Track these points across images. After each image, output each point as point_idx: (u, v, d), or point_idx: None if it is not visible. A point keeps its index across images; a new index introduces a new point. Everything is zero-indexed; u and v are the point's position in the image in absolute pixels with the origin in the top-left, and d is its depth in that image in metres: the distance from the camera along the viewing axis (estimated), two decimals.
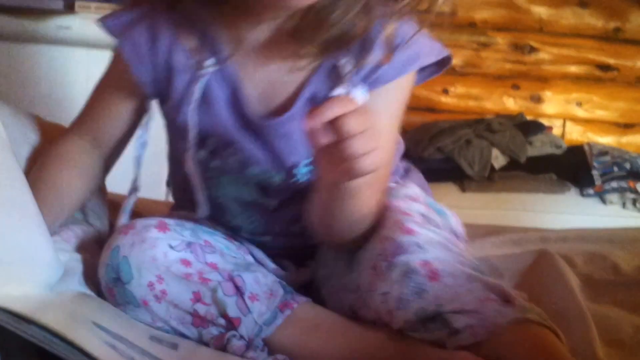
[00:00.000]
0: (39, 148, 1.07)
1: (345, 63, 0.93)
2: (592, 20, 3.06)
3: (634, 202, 2.68)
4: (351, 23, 0.90)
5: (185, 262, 0.91)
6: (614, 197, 2.69)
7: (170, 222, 0.96)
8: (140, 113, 1.04)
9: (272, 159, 0.97)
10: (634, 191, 2.68)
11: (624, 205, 2.69)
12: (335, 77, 0.94)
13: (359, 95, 0.92)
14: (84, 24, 1.82)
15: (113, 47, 1.00)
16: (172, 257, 0.91)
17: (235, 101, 0.96)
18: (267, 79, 0.96)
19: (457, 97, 3.07)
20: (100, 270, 0.92)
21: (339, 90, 0.92)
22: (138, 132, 1.05)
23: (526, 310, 0.80)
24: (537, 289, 1.12)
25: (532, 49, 3.06)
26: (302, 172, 0.98)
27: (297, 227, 1.01)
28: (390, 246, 0.88)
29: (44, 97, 1.92)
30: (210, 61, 0.95)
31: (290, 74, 0.95)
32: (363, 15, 0.90)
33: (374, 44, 0.92)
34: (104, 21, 0.98)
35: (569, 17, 3.05)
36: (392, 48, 0.92)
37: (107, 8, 1.87)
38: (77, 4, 1.77)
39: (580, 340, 0.93)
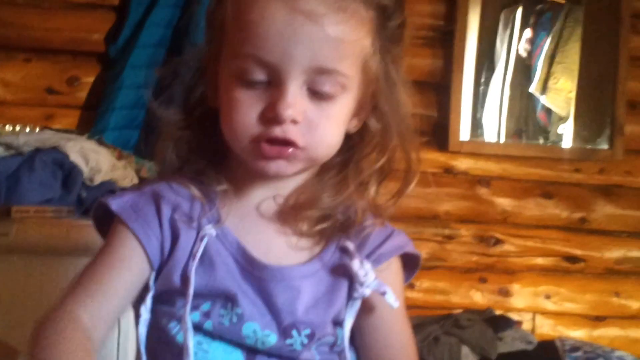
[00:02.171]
0: None
1: (350, 244, 1.03)
2: (556, 211, 3.05)
3: None
4: (340, 206, 1.04)
5: None
6: None
7: None
8: (137, 290, 1.01)
9: (271, 313, 0.99)
10: None
11: None
12: (345, 253, 1.03)
13: (368, 269, 1.01)
14: (22, 229, 1.75)
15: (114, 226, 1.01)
16: None
17: (240, 252, 1.00)
18: (274, 242, 1.03)
19: (423, 291, 3.00)
20: None
21: (353, 264, 1.01)
22: (141, 311, 1.01)
23: None
24: None
25: (498, 241, 3.03)
26: (299, 338, 0.99)
27: None
28: None
29: None
30: (210, 224, 1.00)
31: (297, 246, 1.03)
32: (350, 201, 1.03)
33: (368, 229, 1.05)
34: (109, 201, 1.00)
35: (533, 208, 3.04)
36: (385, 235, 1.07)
37: (49, 211, 1.81)
38: (13, 209, 1.70)
39: None
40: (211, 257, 0.99)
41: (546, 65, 3.11)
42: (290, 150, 0.96)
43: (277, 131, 0.94)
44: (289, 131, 0.94)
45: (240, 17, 0.95)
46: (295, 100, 0.94)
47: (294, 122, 0.94)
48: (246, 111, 0.95)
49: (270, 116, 0.94)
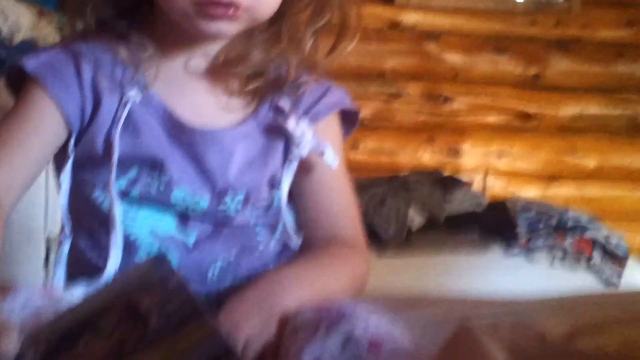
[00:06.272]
0: None
1: (284, 103, 1.02)
2: (509, 66, 2.97)
3: (563, 258, 2.55)
4: (273, 63, 1.02)
5: None
6: (541, 255, 2.55)
7: None
8: (51, 155, 1.00)
9: (202, 177, 0.98)
10: (562, 248, 2.55)
11: (552, 262, 2.55)
12: (280, 113, 1.02)
13: (305, 128, 1.01)
14: None
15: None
16: None
17: (167, 116, 0.99)
18: (204, 103, 1.01)
19: (367, 152, 2.93)
20: None
21: (287, 124, 1.01)
22: (61, 179, 1.00)
23: None
24: None
25: (447, 99, 2.94)
26: (233, 203, 0.99)
27: (214, 273, 0.99)
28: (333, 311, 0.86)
29: None
30: (134, 89, 0.98)
31: (228, 106, 1.02)
32: (283, 57, 1.01)
33: (303, 87, 1.03)
34: (22, 62, 0.97)
35: (485, 64, 2.96)
36: (321, 90, 1.05)
37: None
38: None
39: None
40: (136, 122, 0.98)
41: None
42: (232, 10, 0.94)
43: None
44: None
45: None
46: None
47: None
48: None
49: None
